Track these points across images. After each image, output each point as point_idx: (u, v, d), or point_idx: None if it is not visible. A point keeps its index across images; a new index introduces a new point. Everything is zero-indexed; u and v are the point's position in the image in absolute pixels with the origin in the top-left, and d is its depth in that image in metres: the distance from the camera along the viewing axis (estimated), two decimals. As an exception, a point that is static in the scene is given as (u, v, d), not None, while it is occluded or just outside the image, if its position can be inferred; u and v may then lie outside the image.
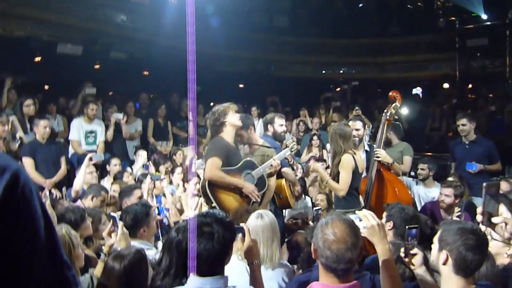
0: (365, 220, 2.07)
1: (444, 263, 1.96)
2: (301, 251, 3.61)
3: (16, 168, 0.95)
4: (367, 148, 5.11)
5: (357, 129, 4.87)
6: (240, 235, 2.26)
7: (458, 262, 1.93)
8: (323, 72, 12.54)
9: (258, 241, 2.70)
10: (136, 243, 3.07)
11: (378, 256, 2.05)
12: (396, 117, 5.02)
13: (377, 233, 2.04)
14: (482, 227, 2.22)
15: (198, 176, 5.44)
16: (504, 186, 4.53)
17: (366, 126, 5.14)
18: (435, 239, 2.05)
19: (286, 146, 4.77)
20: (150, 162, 6.12)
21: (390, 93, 4.89)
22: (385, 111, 4.82)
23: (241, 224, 2.33)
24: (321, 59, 12.17)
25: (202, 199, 5.09)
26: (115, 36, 8.92)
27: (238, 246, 2.28)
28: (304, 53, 12.06)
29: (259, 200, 4.16)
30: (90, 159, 5.20)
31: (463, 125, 5.76)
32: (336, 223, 1.85)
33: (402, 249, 2.17)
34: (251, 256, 2.33)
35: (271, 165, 4.27)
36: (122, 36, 9.06)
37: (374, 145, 4.84)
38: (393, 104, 4.79)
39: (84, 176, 4.84)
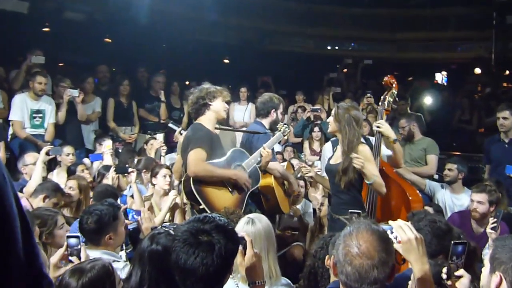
0: (399, 232, 2.03)
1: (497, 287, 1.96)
2: (299, 266, 3.62)
3: None
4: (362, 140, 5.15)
5: None
6: (240, 247, 2.22)
7: None
8: (329, 48, 12.53)
9: None
10: (98, 253, 3.01)
11: (415, 277, 2.04)
12: (395, 106, 5.21)
13: (414, 249, 2.01)
14: None
15: (170, 169, 5.42)
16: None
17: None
18: (486, 259, 2.04)
19: (278, 130, 4.84)
20: (111, 151, 6.02)
21: (386, 78, 4.94)
22: (381, 99, 4.83)
23: (241, 234, 2.29)
24: (327, 32, 12.16)
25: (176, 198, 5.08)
26: (70, -9, 8.79)
27: (238, 261, 2.24)
28: (307, 24, 12.02)
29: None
30: (47, 153, 5.14)
31: (504, 118, 5.77)
32: (364, 233, 1.85)
33: (444, 270, 2.16)
34: (254, 275, 2.30)
35: (261, 154, 4.37)
36: (79, -9, 8.93)
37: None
38: (390, 91, 4.82)
39: (41, 174, 4.78)
